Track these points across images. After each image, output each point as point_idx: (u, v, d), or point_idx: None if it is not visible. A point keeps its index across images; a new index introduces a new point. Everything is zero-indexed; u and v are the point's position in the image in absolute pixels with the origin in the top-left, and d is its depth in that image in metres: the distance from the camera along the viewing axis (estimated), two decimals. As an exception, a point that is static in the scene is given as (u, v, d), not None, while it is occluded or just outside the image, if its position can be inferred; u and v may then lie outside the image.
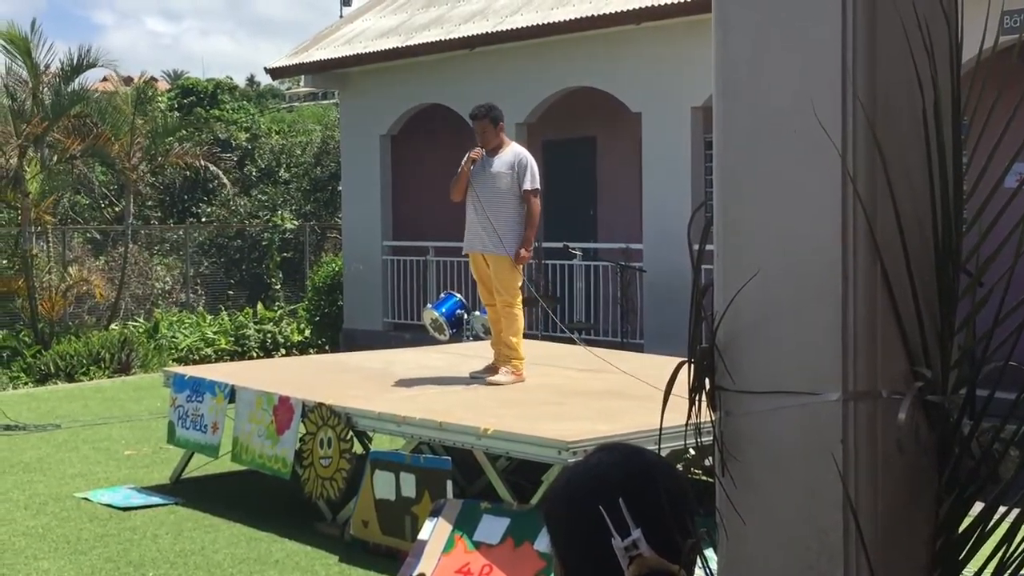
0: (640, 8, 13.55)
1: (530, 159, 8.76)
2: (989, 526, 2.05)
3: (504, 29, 15.12)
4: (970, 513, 2.08)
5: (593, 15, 14.06)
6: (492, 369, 8.88)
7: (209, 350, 18.70)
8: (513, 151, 8.77)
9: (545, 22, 14.63)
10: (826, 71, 2.01)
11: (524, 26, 14.89)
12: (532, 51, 15.23)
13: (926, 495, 2.04)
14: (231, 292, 23.59)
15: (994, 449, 2.04)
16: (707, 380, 2.16)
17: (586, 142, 16.58)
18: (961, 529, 2.06)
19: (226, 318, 20.41)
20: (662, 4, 13.31)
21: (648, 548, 1.87)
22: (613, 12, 13.86)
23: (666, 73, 13.75)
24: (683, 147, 13.68)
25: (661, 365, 8.85)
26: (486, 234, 8.60)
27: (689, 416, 2.16)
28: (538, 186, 8.74)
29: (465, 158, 8.73)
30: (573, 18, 14.29)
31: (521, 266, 8.77)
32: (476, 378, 8.84)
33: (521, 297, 8.90)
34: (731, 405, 2.13)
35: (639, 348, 13.13)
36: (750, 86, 2.14)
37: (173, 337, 19.04)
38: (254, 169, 27.02)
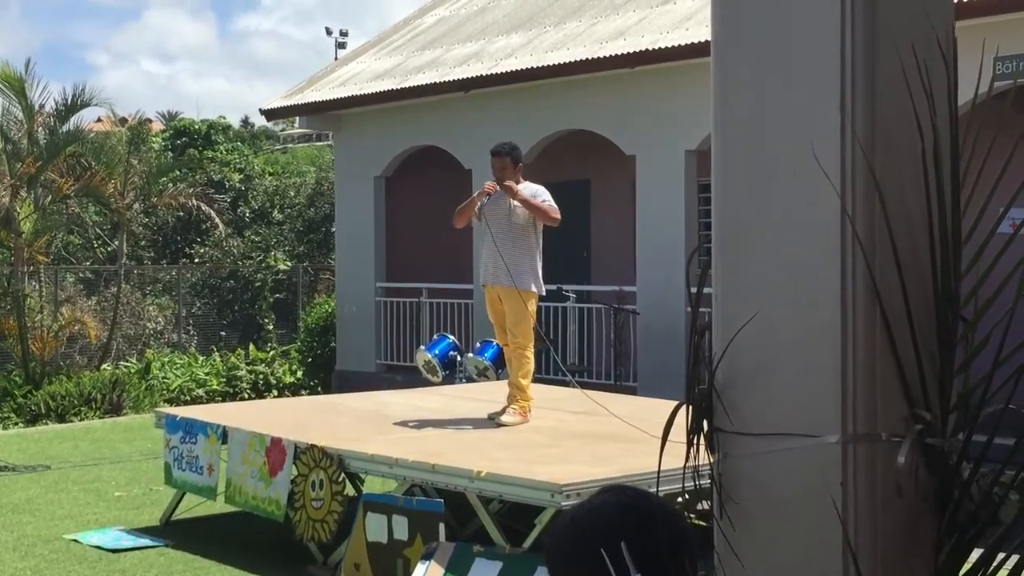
0: (634, 52, 13.62)
1: (545, 191, 8.78)
2: (989, 571, 2.03)
3: (499, 72, 15.18)
4: (969, 558, 2.06)
5: (588, 58, 14.13)
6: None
7: (200, 391, 18.63)
8: (529, 189, 8.75)
9: (540, 65, 14.70)
10: (825, 113, 2.01)
11: (519, 69, 14.95)
12: (527, 94, 15.28)
13: (925, 539, 2.03)
14: (223, 333, 23.51)
15: (994, 493, 2.03)
16: (705, 422, 2.15)
17: (580, 184, 16.60)
18: (961, 574, 2.05)
19: (218, 359, 20.35)
20: (656, 48, 13.38)
21: (647, 592, 1.85)
22: (608, 56, 13.93)
23: (660, 116, 13.80)
24: (677, 190, 13.71)
25: (655, 408, 8.83)
26: (501, 270, 8.57)
27: (687, 458, 2.15)
28: (557, 210, 8.72)
29: (479, 191, 8.77)
30: (568, 61, 14.35)
31: (534, 304, 8.73)
32: (493, 419, 8.78)
33: (534, 340, 8.86)
34: (729, 447, 2.12)
35: (632, 391, 13.09)
36: (749, 129, 2.14)
37: (165, 378, 18.96)
38: (247, 210, 27.03)
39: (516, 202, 8.64)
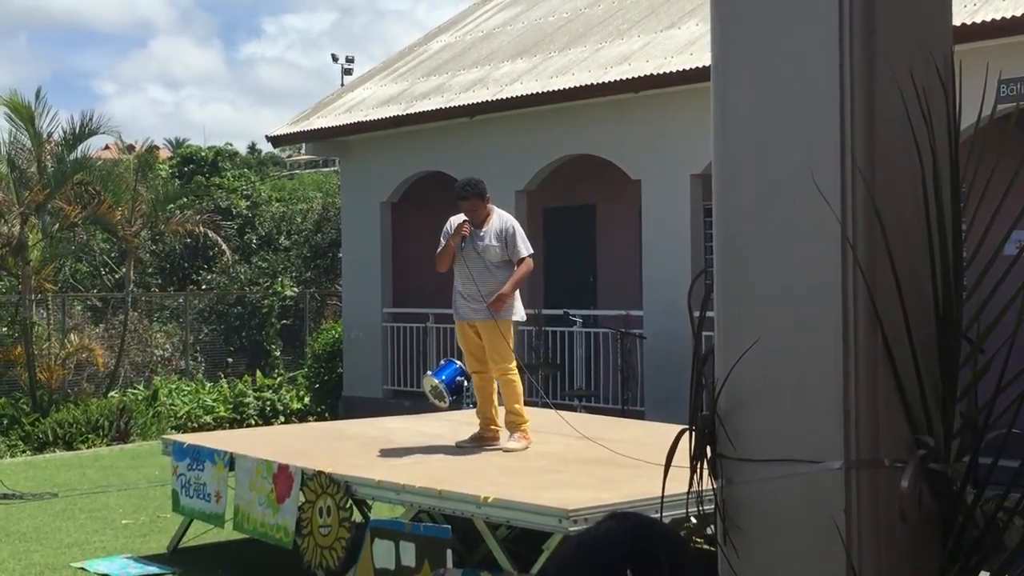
0: (639, 77, 13.66)
1: (515, 225, 8.73)
2: (994, 596, 2.02)
3: (504, 97, 15.22)
4: (975, 583, 2.05)
5: (592, 83, 14.16)
6: (479, 437, 8.86)
7: (208, 417, 18.62)
8: (499, 220, 8.72)
9: (545, 90, 14.74)
10: (825, 140, 2.02)
11: (524, 94, 14.98)
12: (532, 119, 15.32)
13: (930, 564, 2.02)
14: (230, 359, 23.52)
15: (998, 518, 2.03)
16: (708, 448, 2.15)
17: (586, 209, 16.63)
18: (966, 599, 2.04)
19: (225, 385, 20.35)
20: (660, 73, 13.41)
21: (651, 620, 1.85)
22: (612, 81, 13.96)
23: (665, 141, 13.82)
24: (682, 214, 13.72)
25: (662, 432, 8.81)
26: (476, 303, 8.56)
27: (691, 484, 2.15)
28: (531, 249, 8.73)
29: (451, 230, 8.70)
30: (572, 86, 14.39)
31: (511, 330, 8.72)
32: (463, 447, 8.80)
33: (516, 362, 8.85)
34: (732, 473, 2.12)
35: (640, 415, 13.07)
36: (749, 155, 2.15)
37: (172, 405, 18.96)
38: (254, 236, 27.09)
39: (489, 238, 8.61)
